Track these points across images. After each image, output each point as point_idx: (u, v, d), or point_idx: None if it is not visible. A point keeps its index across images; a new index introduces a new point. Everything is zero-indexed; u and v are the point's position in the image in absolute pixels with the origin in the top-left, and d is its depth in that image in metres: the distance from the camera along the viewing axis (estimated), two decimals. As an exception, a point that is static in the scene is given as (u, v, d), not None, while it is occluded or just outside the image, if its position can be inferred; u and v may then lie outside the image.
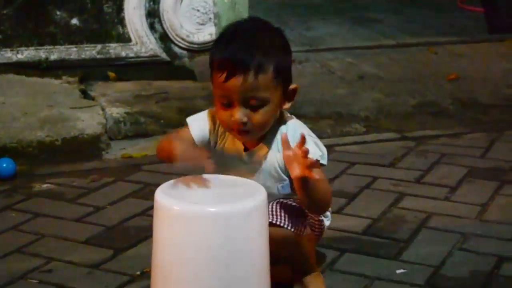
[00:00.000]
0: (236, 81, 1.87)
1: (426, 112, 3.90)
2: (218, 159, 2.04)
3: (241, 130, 1.93)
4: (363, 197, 2.82)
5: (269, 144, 2.00)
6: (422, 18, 5.79)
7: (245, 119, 1.90)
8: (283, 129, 2.00)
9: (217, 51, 1.93)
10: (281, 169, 2.00)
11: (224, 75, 1.88)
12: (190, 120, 2.06)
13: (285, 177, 2.01)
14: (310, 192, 1.88)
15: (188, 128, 2.04)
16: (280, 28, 2.01)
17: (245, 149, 2.02)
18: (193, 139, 2.02)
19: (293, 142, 1.88)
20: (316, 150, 1.94)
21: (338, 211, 2.65)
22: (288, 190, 2.03)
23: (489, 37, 5.22)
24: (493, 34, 5.28)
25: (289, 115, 2.05)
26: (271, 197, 1.95)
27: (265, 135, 2.00)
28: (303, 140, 1.82)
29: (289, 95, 1.98)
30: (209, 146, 2.05)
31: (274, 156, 2.00)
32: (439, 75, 4.37)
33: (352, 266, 2.27)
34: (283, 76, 1.94)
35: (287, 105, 1.99)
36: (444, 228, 2.53)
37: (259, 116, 1.91)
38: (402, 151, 3.31)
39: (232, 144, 2.03)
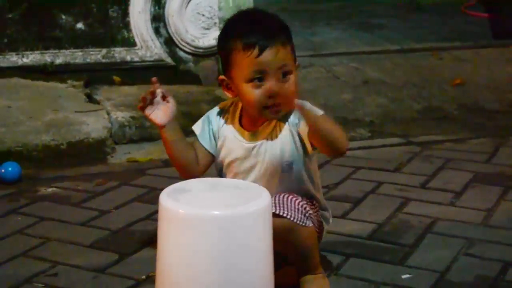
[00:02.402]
0: (270, 53, 2.00)
1: (431, 117, 3.90)
2: (220, 155, 2.14)
3: (274, 104, 2.01)
4: (368, 202, 2.82)
5: (280, 120, 2.08)
6: (426, 24, 5.79)
7: (278, 90, 2.00)
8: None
9: (238, 34, 2.03)
10: (295, 142, 2.07)
11: (257, 50, 1.99)
12: (199, 136, 2.18)
13: (294, 150, 2.07)
14: (321, 129, 1.98)
15: (199, 141, 2.17)
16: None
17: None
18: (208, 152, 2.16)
19: (295, 114, 2.05)
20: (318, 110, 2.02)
21: (343, 216, 2.65)
22: (297, 165, 2.08)
23: (494, 42, 5.21)
24: (497, 39, 5.28)
25: None
26: (276, 177, 2.07)
27: None
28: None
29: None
30: (216, 143, 2.16)
31: (287, 132, 2.07)
32: (443, 80, 4.36)
33: (357, 271, 2.27)
34: (294, 53, 2.09)
35: None
36: (449, 233, 2.53)
37: (289, 85, 2.02)
38: (407, 156, 3.31)
39: (232, 128, 2.11)
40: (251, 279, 1.81)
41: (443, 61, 4.73)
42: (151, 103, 2.09)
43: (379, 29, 5.58)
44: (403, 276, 2.25)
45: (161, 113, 2.09)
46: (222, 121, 2.15)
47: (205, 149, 2.15)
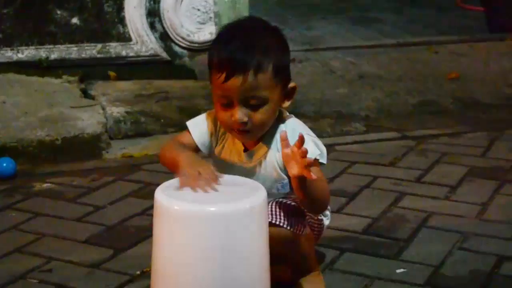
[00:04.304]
0: (236, 81, 1.87)
1: (427, 111, 3.90)
2: (217, 162, 2.05)
3: (242, 130, 1.93)
4: (363, 196, 2.82)
5: (268, 143, 2.01)
6: (422, 17, 5.79)
7: (245, 119, 1.91)
8: (282, 127, 2.00)
9: (216, 51, 1.93)
10: (280, 168, 2.00)
11: (224, 75, 1.88)
12: (190, 124, 2.06)
13: (284, 176, 2.01)
14: (308, 191, 1.89)
15: (189, 133, 2.05)
16: (278, 27, 2.01)
17: (245, 150, 2.03)
18: (195, 145, 2.04)
19: (292, 140, 1.88)
20: (315, 149, 1.94)
21: (338, 211, 2.65)
22: (287, 190, 2.03)
23: (489, 36, 5.21)
24: (493, 33, 5.28)
25: (288, 114, 2.05)
26: (270, 196, 1.96)
27: (264, 134, 2.00)
28: (301, 139, 1.82)
29: (288, 94, 1.99)
30: (210, 149, 2.06)
31: (273, 155, 2.00)
32: (439, 74, 4.36)
33: (352, 266, 2.28)
34: (282, 74, 1.94)
35: (287, 104, 2.00)
36: (444, 227, 2.53)
37: (259, 115, 1.92)
38: (402, 151, 3.31)
39: (232, 144, 2.03)
40: (246, 275, 1.81)
41: (439, 55, 4.72)
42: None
43: (375, 23, 5.57)
44: (398, 270, 2.25)
45: None
46: (223, 130, 2.04)
47: (197, 146, 2.05)
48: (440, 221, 2.58)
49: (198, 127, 2.05)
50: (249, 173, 2.00)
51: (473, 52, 4.81)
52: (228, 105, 1.91)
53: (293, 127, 2.00)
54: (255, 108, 1.91)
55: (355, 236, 2.48)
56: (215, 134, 2.05)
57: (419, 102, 3.99)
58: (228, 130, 1.98)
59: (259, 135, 1.99)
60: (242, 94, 1.88)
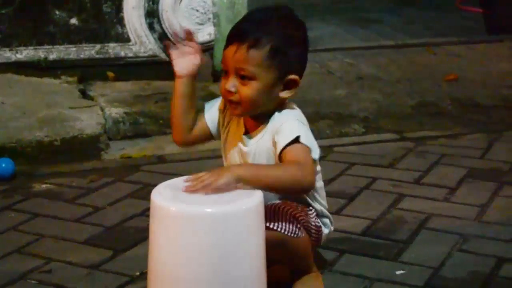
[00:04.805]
0: (231, 50, 1.97)
1: (425, 112, 3.90)
2: (222, 145, 2.11)
3: (231, 101, 1.99)
4: (362, 198, 2.82)
5: (265, 128, 2.02)
6: (421, 19, 5.79)
7: (233, 89, 1.98)
8: (276, 115, 2.01)
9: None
10: (271, 153, 2.01)
11: (226, 43, 1.99)
12: (206, 103, 2.16)
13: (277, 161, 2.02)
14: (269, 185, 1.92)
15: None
16: (303, 22, 2.05)
17: (245, 133, 2.06)
18: (204, 118, 2.12)
19: (276, 123, 1.97)
20: (293, 132, 1.93)
21: (337, 212, 2.65)
22: None
23: (488, 37, 5.22)
24: (492, 34, 5.28)
25: (293, 104, 2.07)
26: None
27: (264, 118, 2.02)
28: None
29: (287, 84, 2.00)
30: (217, 127, 2.12)
31: (266, 140, 2.01)
32: (438, 75, 4.37)
33: (351, 267, 2.28)
34: (282, 61, 1.97)
35: (284, 94, 2.01)
36: (444, 229, 2.54)
37: (245, 90, 1.97)
38: (401, 152, 3.31)
39: (236, 126, 2.08)
40: (243, 276, 1.81)
41: (437, 57, 4.73)
42: (179, 48, 2.04)
43: (373, 25, 5.58)
44: (397, 272, 2.25)
45: (184, 63, 2.04)
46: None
47: (205, 121, 2.11)
48: (439, 223, 2.58)
49: (211, 103, 2.14)
50: (245, 157, 2.04)
51: (471, 53, 4.82)
52: (226, 74, 2.00)
53: (286, 114, 2.01)
54: (244, 81, 1.96)
55: (354, 238, 2.48)
56: (223, 112, 2.10)
57: (417, 104, 3.99)
58: (224, 99, 2.04)
59: (249, 113, 2.01)
60: (232, 63, 1.96)
